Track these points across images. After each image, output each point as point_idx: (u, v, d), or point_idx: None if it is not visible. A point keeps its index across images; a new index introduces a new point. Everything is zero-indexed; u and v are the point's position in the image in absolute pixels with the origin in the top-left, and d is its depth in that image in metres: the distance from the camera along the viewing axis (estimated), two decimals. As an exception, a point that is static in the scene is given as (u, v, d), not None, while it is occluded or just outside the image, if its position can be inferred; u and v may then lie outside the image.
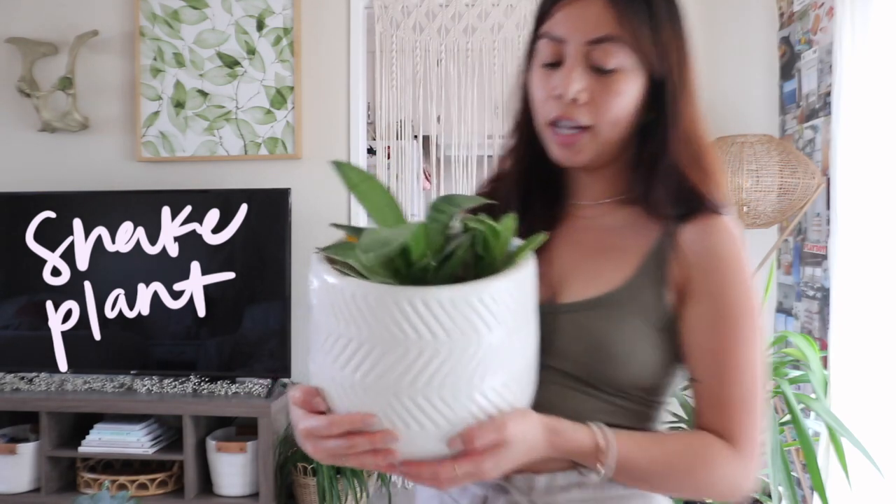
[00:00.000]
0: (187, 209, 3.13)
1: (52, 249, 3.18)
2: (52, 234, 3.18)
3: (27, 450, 2.99)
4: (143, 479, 2.96)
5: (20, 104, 3.41)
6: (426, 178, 4.30)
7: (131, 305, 3.15)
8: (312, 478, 2.98)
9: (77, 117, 3.32)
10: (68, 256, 3.17)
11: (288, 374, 3.06)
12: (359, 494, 2.99)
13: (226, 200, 3.12)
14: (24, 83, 3.31)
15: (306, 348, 2.93)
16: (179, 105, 3.31)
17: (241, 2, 3.28)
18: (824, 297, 2.68)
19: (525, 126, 1.03)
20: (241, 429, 3.09)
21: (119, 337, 3.16)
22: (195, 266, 3.12)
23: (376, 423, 0.72)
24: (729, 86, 3.20)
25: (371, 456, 0.74)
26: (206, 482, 3.00)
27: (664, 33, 0.94)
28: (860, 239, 2.32)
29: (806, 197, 2.69)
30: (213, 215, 3.13)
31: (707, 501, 1.20)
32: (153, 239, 3.15)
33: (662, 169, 0.96)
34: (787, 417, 2.33)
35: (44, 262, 3.18)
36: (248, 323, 3.11)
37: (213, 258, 3.12)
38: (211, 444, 2.95)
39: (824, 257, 2.69)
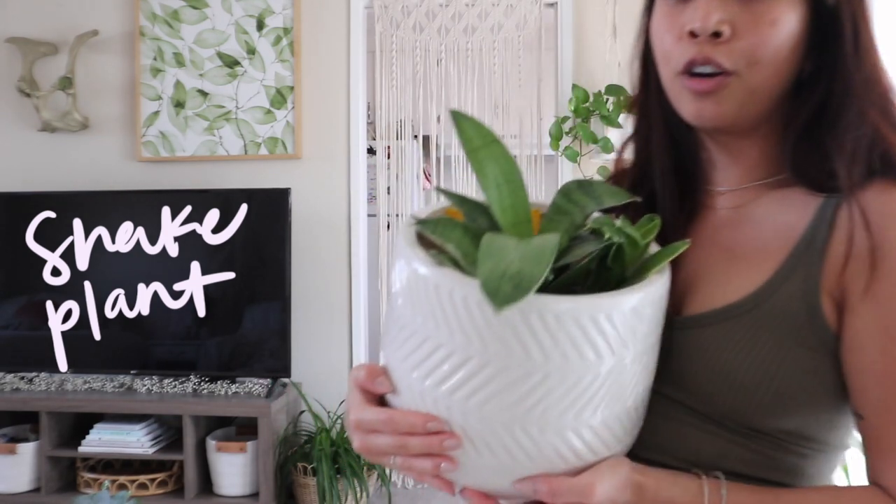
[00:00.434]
0: (187, 209, 3.13)
1: (52, 249, 3.18)
2: (52, 234, 3.18)
3: (27, 450, 2.99)
4: (143, 478, 2.96)
5: (20, 104, 3.41)
6: (426, 178, 4.30)
7: (131, 305, 3.15)
8: (312, 478, 2.98)
9: (77, 117, 3.32)
10: (68, 256, 3.17)
11: (288, 374, 3.06)
12: (359, 494, 2.99)
13: (226, 200, 3.12)
14: (24, 83, 3.31)
15: (306, 348, 2.92)
16: (179, 105, 3.31)
17: (241, 2, 3.28)
18: None
19: (648, 92, 0.82)
20: (241, 429, 3.09)
21: (119, 337, 3.16)
22: (195, 266, 3.12)
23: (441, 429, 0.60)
24: None
25: (423, 461, 0.62)
26: (206, 482, 3.00)
27: None
28: None
29: None
30: (213, 215, 3.13)
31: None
32: (153, 239, 3.15)
33: (844, 129, 0.72)
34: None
35: (44, 262, 3.18)
36: (248, 323, 3.11)
37: (213, 258, 3.12)
38: (211, 443, 2.95)
39: None
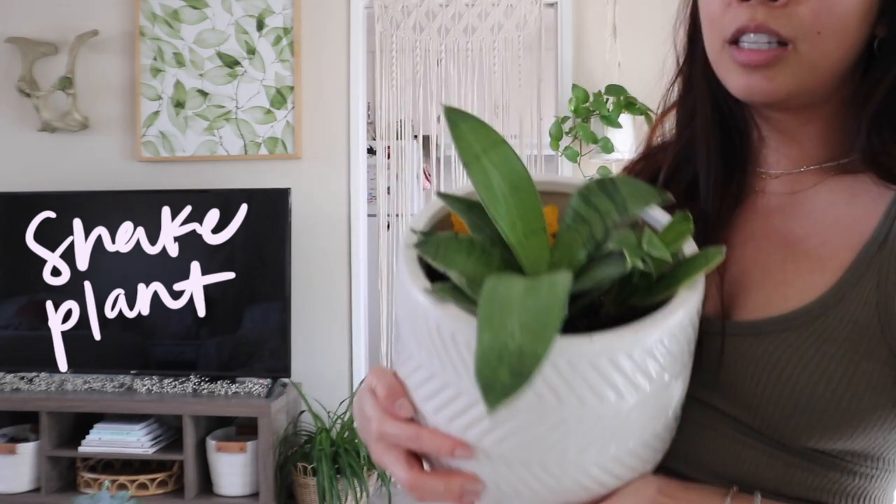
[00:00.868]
0: (187, 209, 3.13)
1: (52, 249, 3.18)
2: (52, 234, 3.18)
3: (27, 450, 2.99)
4: (143, 478, 2.96)
5: (20, 104, 3.41)
6: (426, 178, 4.30)
7: (131, 305, 3.15)
8: (312, 478, 2.98)
9: (77, 117, 3.32)
10: (68, 256, 3.17)
11: (288, 374, 3.06)
12: (359, 494, 2.99)
13: (226, 200, 3.12)
14: (24, 83, 3.31)
15: (306, 348, 2.92)
16: (179, 105, 3.31)
17: (241, 1, 3.28)
18: None
19: (693, 62, 0.73)
20: (241, 429, 3.09)
21: (119, 337, 3.16)
22: (195, 266, 3.12)
23: (467, 463, 0.56)
24: None
25: (446, 480, 0.57)
26: (206, 482, 2.99)
27: None
28: None
29: None
30: (213, 215, 3.13)
31: None
32: (153, 239, 3.15)
33: None
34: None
35: (44, 262, 3.18)
36: (248, 323, 3.11)
37: (213, 258, 3.12)
38: (211, 443, 2.95)
39: None
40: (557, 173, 3.31)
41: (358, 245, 3.30)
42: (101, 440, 2.97)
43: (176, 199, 3.14)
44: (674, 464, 0.62)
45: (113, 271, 3.16)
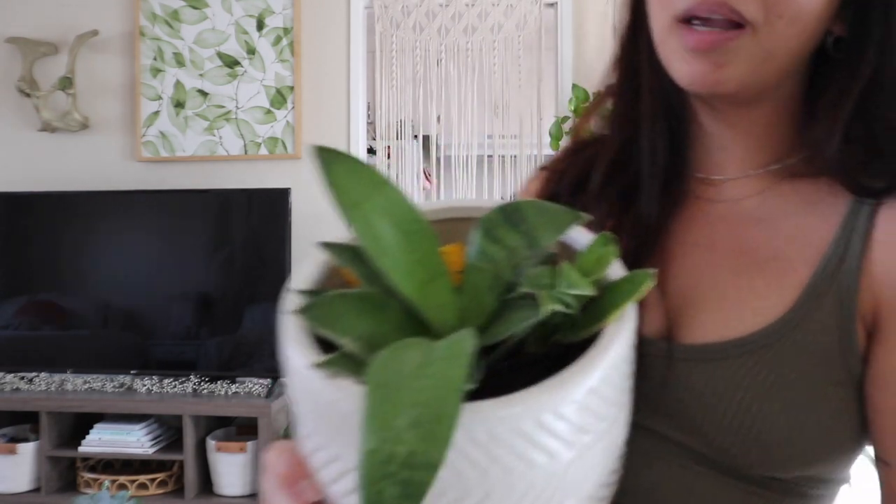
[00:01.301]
0: (187, 209, 3.13)
1: (52, 249, 3.18)
2: (51, 234, 3.18)
3: (27, 449, 2.99)
4: (142, 478, 2.96)
5: (20, 104, 3.41)
6: (426, 178, 4.30)
7: (131, 305, 3.15)
8: (312, 478, 2.98)
9: (77, 117, 3.32)
10: (68, 256, 3.17)
11: (288, 374, 3.05)
12: (359, 494, 2.98)
13: (226, 200, 3.12)
14: (24, 83, 3.31)
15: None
16: (179, 105, 3.31)
17: (241, 1, 3.28)
18: None
19: (637, 45, 0.66)
20: (241, 429, 3.09)
21: (119, 337, 3.16)
22: (195, 266, 3.12)
23: None
24: None
25: None
26: (206, 482, 2.99)
27: None
28: None
29: None
30: (213, 215, 3.12)
31: None
32: (153, 239, 3.15)
33: (876, 109, 0.58)
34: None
35: (43, 261, 3.18)
36: (248, 323, 3.10)
37: (213, 258, 3.12)
38: (211, 443, 2.95)
39: None
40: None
41: (358, 245, 3.30)
42: (101, 440, 2.97)
43: (176, 198, 3.14)
44: (624, 499, 0.54)
45: (113, 271, 3.16)
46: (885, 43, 0.58)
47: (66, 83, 3.30)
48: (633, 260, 0.55)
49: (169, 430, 3.12)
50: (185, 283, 3.12)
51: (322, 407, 0.44)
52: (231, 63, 3.29)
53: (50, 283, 3.19)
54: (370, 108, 3.78)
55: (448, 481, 0.42)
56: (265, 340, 3.08)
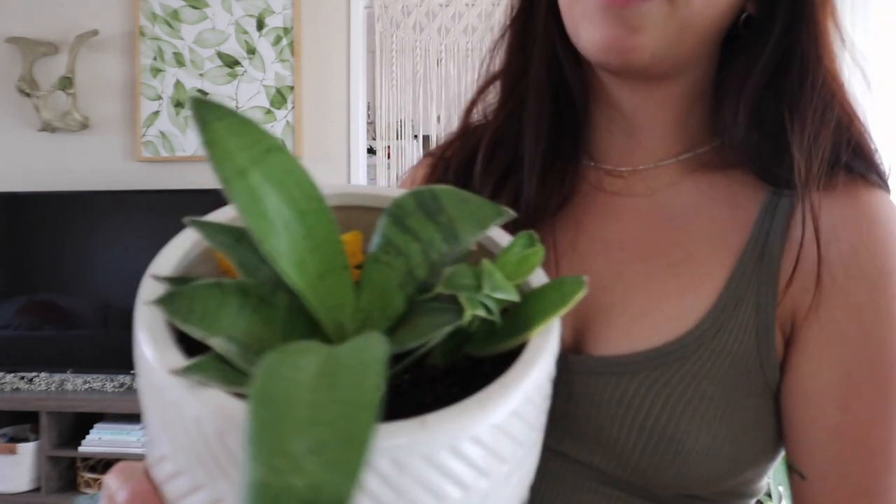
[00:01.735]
0: (187, 209, 3.12)
1: (52, 249, 3.18)
2: (51, 234, 3.18)
3: (27, 449, 2.98)
4: (143, 478, 2.96)
5: (20, 104, 3.41)
6: (426, 177, 4.30)
7: (131, 305, 3.14)
8: (312, 478, 2.98)
9: (77, 117, 3.32)
10: (68, 256, 3.17)
11: (288, 374, 3.05)
12: (359, 494, 2.99)
13: (226, 200, 3.11)
14: (24, 83, 3.31)
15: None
16: (179, 105, 3.31)
17: (241, 1, 3.28)
18: None
19: (531, 12, 0.60)
20: (242, 429, 3.09)
21: (119, 336, 3.16)
22: (195, 266, 3.12)
23: None
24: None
25: None
26: (206, 482, 2.99)
27: None
28: None
29: None
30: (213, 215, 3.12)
31: None
32: (153, 238, 3.14)
33: (808, 103, 0.54)
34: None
35: (43, 261, 3.18)
36: (249, 323, 3.10)
37: (213, 258, 3.12)
38: (211, 443, 2.95)
39: None
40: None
41: (358, 245, 3.30)
42: (102, 440, 2.97)
43: (176, 198, 3.14)
44: None
45: (113, 271, 3.16)
46: (793, 18, 0.54)
47: (66, 83, 3.30)
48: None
49: (169, 429, 3.12)
50: (185, 283, 3.12)
51: (182, 423, 0.34)
52: (231, 63, 3.29)
53: (50, 282, 3.19)
54: (370, 108, 3.78)
55: None
56: (265, 340, 3.08)
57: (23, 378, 3.15)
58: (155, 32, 3.32)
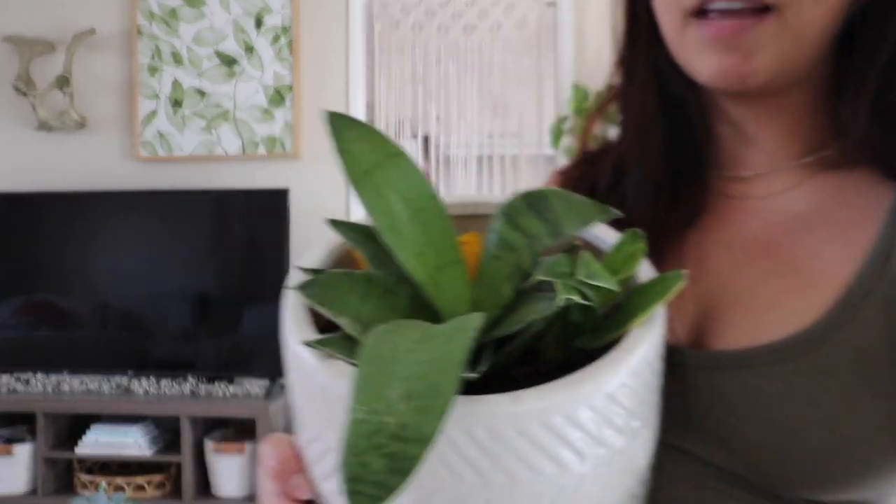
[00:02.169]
0: (185, 209, 3.11)
1: (49, 249, 3.16)
2: (48, 234, 3.17)
3: (23, 451, 2.97)
4: (140, 480, 2.94)
5: (17, 103, 3.39)
6: (426, 177, 4.29)
7: (129, 305, 3.13)
8: (311, 479, 2.97)
9: (74, 116, 3.31)
10: (65, 256, 3.16)
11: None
12: (357, 496, 2.97)
13: (224, 200, 3.11)
14: (21, 81, 3.29)
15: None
16: (177, 104, 3.30)
17: (240, 0, 3.26)
18: None
19: (635, 46, 0.62)
20: (239, 430, 3.07)
21: (116, 337, 3.15)
22: (193, 266, 3.10)
23: None
24: None
25: None
26: (203, 484, 2.98)
27: None
28: None
29: None
30: (211, 215, 3.11)
31: None
32: (151, 238, 3.13)
33: None
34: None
35: (40, 261, 3.17)
36: (247, 323, 3.09)
37: (211, 258, 3.11)
38: (209, 445, 2.93)
39: None
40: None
41: (357, 245, 3.29)
42: (98, 441, 2.95)
43: (174, 198, 3.12)
44: None
45: (110, 271, 3.14)
46: None
47: (63, 82, 3.29)
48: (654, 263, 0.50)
49: (166, 431, 3.10)
50: (182, 283, 3.10)
51: (315, 392, 0.41)
52: (229, 62, 3.27)
53: (47, 283, 3.17)
54: (369, 108, 3.76)
55: (444, 481, 0.38)
56: (263, 341, 3.06)
57: (19, 379, 3.14)
58: (153, 31, 3.30)
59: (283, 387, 3.09)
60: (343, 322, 0.41)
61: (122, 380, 3.11)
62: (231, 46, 3.27)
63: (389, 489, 0.30)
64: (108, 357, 3.14)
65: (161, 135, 3.30)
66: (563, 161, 3.21)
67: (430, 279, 0.43)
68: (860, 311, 0.51)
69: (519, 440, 0.37)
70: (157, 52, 3.30)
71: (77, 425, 3.06)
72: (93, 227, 3.15)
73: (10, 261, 3.20)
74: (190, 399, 2.97)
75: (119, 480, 2.94)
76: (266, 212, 3.07)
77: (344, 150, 0.43)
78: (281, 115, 3.25)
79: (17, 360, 3.17)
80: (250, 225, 3.10)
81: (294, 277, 0.45)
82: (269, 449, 0.47)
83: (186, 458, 2.91)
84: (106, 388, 3.08)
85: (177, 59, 3.29)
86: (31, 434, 3.05)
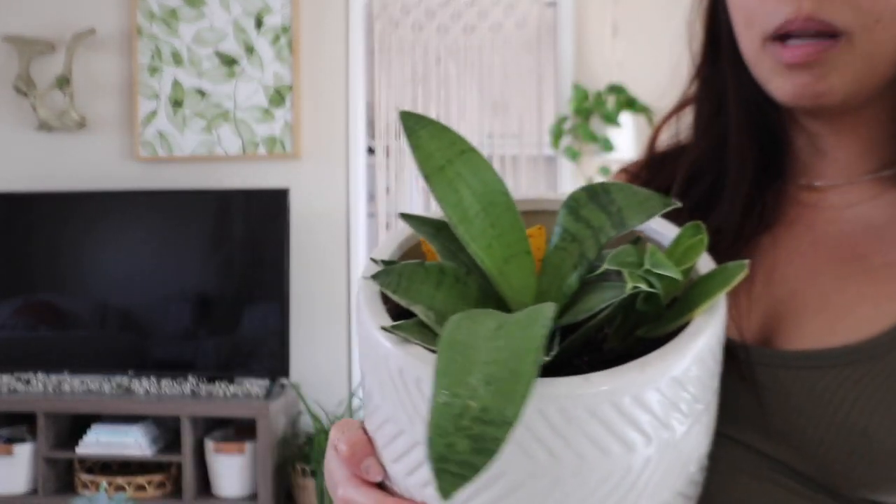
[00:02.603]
0: (185, 209, 3.11)
1: (49, 249, 3.16)
2: (48, 234, 3.17)
3: (24, 451, 2.97)
4: (140, 480, 2.94)
5: (17, 103, 3.39)
6: (425, 177, 4.29)
7: (129, 305, 3.13)
8: (311, 479, 2.97)
9: (74, 116, 3.31)
10: (65, 256, 3.16)
11: (287, 375, 3.04)
12: (358, 496, 2.97)
13: (224, 200, 3.11)
14: (21, 81, 3.29)
15: (305, 349, 2.89)
16: (177, 104, 3.30)
17: (240, 0, 3.26)
18: None
19: (716, 62, 0.63)
20: (240, 430, 3.07)
21: (116, 337, 3.15)
22: (193, 266, 3.10)
23: None
24: None
25: None
26: (204, 483, 2.98)
27: None
28: None
29: None
30: (211, 215, 3.11)
31: None
32: (151, 239, 3.13)
33: None
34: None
35: (40, 261, 3.17)
36: (247, 323, 3.09)
37: (211, 258, 3.11)
38: (209, 444, 2.93)
39: None
40: (557, 173, 3.30)
41: (357, 245, 3.29)
42: (99, 441, 2.95)
43: (174, 198, 3.13)
44: None
45: (110, 271, 3.14)
46: None
47: (63, 82, 3.29)
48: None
49: (167, 431, 3.11)
50: (183, 283, 3.11)
51: (389, 374, 0.43)
52: (229, 62, 3.27)
53: (47, 283, 3.17)
54: (369, 108, 3.76)
55: (514, 460, 0.40)
56: (264, 341, 3.07)
57: (19, 379, 3.14)
58: (153, 31, 3.30)
59: (283, 387, 3.09)
60: (417, 309, 0.43)
61: (123, 380, 3.11)
62: (231, 46, 3.27)
63: (475, 468, 0.32)
64: (109, 357, 3.14)
65: (161, 135, 3.30)
66: (562, 161, 3.21)
67: (498, 270, 0.45)
68: None
69: (589, 420, 0.39)
70: (157, 52, 3.29)
71: (77, 425, 3.06)
72: (93, 228, 3.15)
73: (10, 261, 3.20)
74: (190, 399, 2.97)
75: (119, 480, 2.94)
76: (266, 212, 3.07)
77: (417, 147, 0.45)
78: (281, 115, 3.25)
79: (17, 360, 3.17)
80: (250, 225, 3.10)
81: (368, 267, 0.47)
82: (338, 434, 0.49)
83: (187, 457, 2.91)
84: (106, 387, 3.08)
85: (177, 59, 3.29)
86: (32, 434, 3.05)
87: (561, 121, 3.15)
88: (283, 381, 3.10)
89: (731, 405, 0.50)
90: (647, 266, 0.41)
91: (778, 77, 0.56)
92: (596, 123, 3.11)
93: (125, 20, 3.34)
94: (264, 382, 3.07)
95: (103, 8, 3.35)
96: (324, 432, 3.04)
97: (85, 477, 2.98)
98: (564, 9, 3.23)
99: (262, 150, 3.26)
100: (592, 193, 0.46)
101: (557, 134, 3.14)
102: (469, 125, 3.37)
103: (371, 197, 3.61)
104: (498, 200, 0.46)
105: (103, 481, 2.92)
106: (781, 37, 0.55)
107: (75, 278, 3.16)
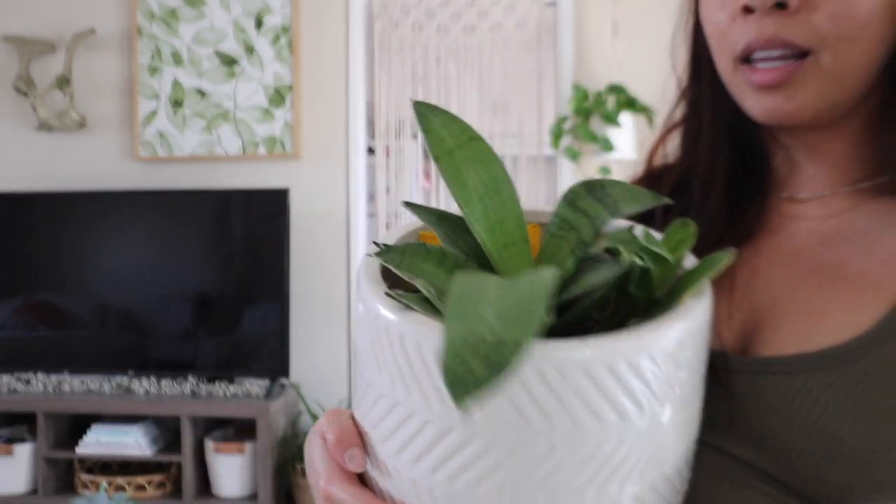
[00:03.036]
0: (185, 209, 3.11)
1: (49, 249, 3.16)
2: (48, 234, 3.17)
3: (24, 451, 2.97)
4: (140, 480, 2.94)
5: (17, 103, 3.39)
6: (426, 177, 4.28)
7: (129, 305, 3.13)
8: (311, 479, 2.97)
9: (74, 116, 3.31)
10: (65, 256, 3.16)
11: (287, 375, 3.04)
12: (358, 496, 2.97)
13: (224, 200, 3.11)
14: (21, 82, 3.29)
15: (305, 349, 2.89)
16: (177, 104, 3.30)
17: (240, 0, 3.26)
18: None
19: (699, 81, 0.66)
20: (240, 430, 3.07)
21: (117, 337, 3.15)
22: (193, 266, 3.10)
23: None
24: None
25: None
26: (204, 483, 2.98)
27: None
28: None
29: None
30: (211, 215, 3.11)
31: None
32: (151, 239, 3.13)
33: None
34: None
35: (40, 261, 3.17)
36: (247, 323, 3.09)
37: (211, 258, 3.11)
38: (209, 444, 2.93)
39: None
40: (557, 173, 3.29)
41: (357, 245, 3.29)
42: (99, 441, 2.95)
43: (174, 198, 3.13)
44: None
45: (110, 271, 3.14)
46: None
47: (63, 82, 3.29)
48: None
49: (167, 431, 3.11)
50: (183, 283, 3.11)
51: (389, 342, 0.44)
52: (229, 62, 3.27)
53: (47, 283, 3.17)
54: (369, 108, 3.76)
55: (513, 428, 0.41)
56: (264, 341, 3.07)
57: (19, 379, 3.14)
58: (153, 31, 3.30)
59: (283, 387, 3.09)
60: (419, 283, 0.45)
61: (123, 380, 3.11)
62: (231, 46, 3.27)
63: (488, 382, 0.33)
64: (109, 357, 3.15)
65: (161, 135, 3.30)
66: (562, 161, 3.21)
67: (498, 253, 0.47)
68: None
69: (585, 383, 0.40)
70: (157, 52, 3.30)
71: (77, 425, 3.06)
72: (93, 227, 3.15)
73: (10, 261, 3.20)
74: (190, 399, 2.98)
75: (120, 480, 2.94)
76: (266, 212, 3.07)
77: (429, 131, 0.48)
78: (281, 115, 3.25)
79: (17, 360, 3.17)
80: (250, 225, 3.10)
81: (371, 248, 0.49)
82: (327, 421, 0.49)
83: (187, 457, 2.91)
84: (106, 387, 3.08)
85: (177, 59, 3.29)
86: (32, 434, 3.05)
87: (561, 121, 3.15)
88: (283, 381, 3.10)
89: (712, 412, 0.50)
90: (642, 243, 0.44)
91: (749, 98, 0.58)
92: (596, 123, 3.11)
93: (125, 20, 3.34)
94: (264, 382, 3.07)
95: (103, 8, 3.35)
96: (324, 432, 3.04)
97: (85, 477, 2.99)
98: (564, 9, 3.23)
99: (262, 150, 3.26)
100: (590, 187, 0.49)
101: (557, 134, 3.14)
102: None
103: (371, 197, 3.61)
104: (502, 188, 0.48)
105: (103, 481, 2.92)
106: (748, 59, 0.57)
107: (75, 278, 3.16)
